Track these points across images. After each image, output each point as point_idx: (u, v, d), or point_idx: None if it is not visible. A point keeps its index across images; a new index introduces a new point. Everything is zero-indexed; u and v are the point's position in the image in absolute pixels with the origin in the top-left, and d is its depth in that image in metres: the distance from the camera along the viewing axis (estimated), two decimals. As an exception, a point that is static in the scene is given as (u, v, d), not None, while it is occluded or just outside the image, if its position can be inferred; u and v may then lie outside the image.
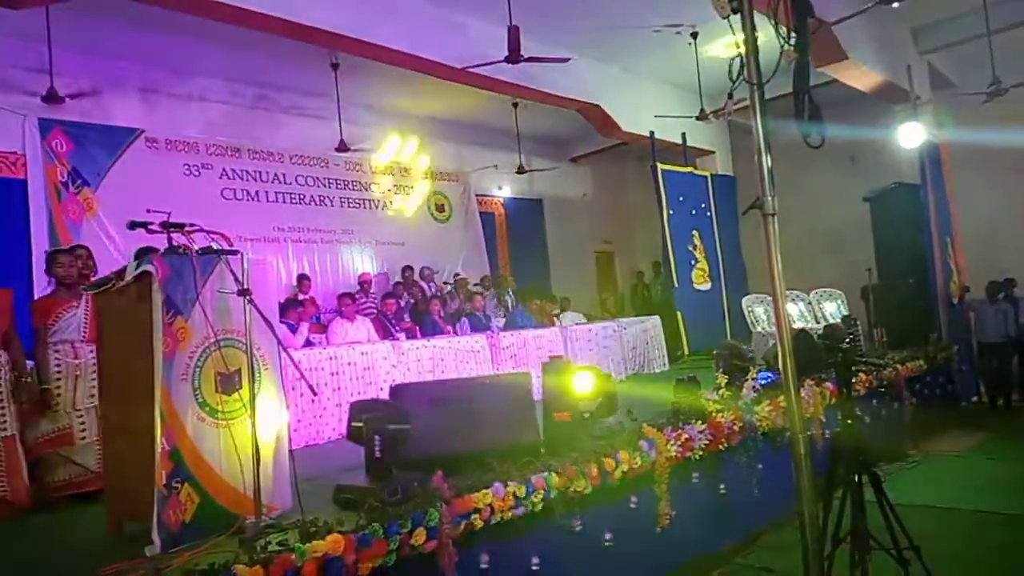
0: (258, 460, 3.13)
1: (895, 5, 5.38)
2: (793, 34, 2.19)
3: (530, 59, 6.85)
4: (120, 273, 3.24)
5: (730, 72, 2.25)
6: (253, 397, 3.23)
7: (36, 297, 5.34)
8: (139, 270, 3.09)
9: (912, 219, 9.21)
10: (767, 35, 2.40)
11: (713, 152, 12.19)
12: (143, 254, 4.62)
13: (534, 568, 3.52)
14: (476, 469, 3.65)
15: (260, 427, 3.19)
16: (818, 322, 9.62)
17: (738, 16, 2.14)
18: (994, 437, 7.46)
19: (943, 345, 8.62)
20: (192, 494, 3.08)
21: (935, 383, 8.15)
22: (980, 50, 8.40)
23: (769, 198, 2.14)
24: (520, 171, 12.01)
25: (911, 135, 8.62)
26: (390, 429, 3.46)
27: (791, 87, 2.33)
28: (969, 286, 9.34)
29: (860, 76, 8.81)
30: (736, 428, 4.94)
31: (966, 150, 9.63)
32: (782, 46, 2.18)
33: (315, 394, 4.02)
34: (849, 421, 2.93)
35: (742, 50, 2.17)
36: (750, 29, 2.19)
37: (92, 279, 4.76)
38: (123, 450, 3.21)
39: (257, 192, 9.24)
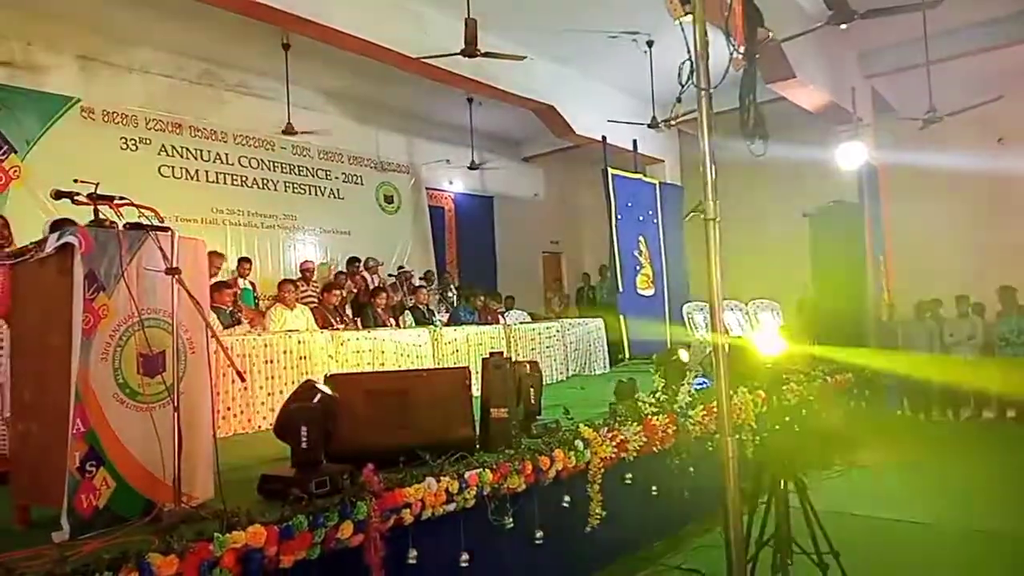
0: (179, 446, 3.01)
1: (843, 27, 5.55)
2: (743, 42, 2.21)
3: (486, 54, 6.81)
4: (40, 244, 3.06)
5: (680, 75, 2.26)
6: (177, 380, 3.11)
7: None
8: (61, 242, 2.92)
9: (849, 237, 9.53)
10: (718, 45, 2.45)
11: (663, 160, 12.39)
12: (59, 226, 4.40)
13: (463, 564, 3.49)
14: (409, 463, 3.60)
15: (183, 412, 3.07)
16: (754, 331, 9.84)
17: (690, 20, 2.14)
18: (915, 450, 7.77)
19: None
20: (107, 479, 2.93)
21: (862, 395, 8.43)
22: (920, 78, 8.76)
23: (712, 203, 2.16)
24: (472, 167, 11.96)
25: (852, 155, 8.93)
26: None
27: (738, 99, 2.36)
28: (894, 303, 9.72)
29: (807, 95, 9.06)
30: (670, 431, 5.00)
31: (902, 173, 10.03)
32: (731, 53, 2.20)
33: (243, 380, 3.90)
34: (777, 427, 2.99)
35: (692, 54, 2.18)
36: (701, 33, 2.20)
37: (7, 250, 4.50)
38: (34, 431, 3.04)
39: (197, 171, 8.94)
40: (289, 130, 9.21)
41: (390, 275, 10.36)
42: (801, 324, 9.74)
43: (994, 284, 9.42)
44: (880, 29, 9.02)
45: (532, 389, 4.44)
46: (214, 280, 7.91)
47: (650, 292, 10.91)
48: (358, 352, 6.58)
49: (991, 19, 8.82)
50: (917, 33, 8.28)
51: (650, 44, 9.10)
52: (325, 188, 10.56)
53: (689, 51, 2.24)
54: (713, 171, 2.25)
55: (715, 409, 5.47)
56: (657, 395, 5.36)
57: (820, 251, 10.16)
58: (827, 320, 9.35)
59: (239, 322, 7.02)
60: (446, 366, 7.13)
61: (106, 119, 8.20)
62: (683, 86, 2.30)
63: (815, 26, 6.03)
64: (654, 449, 4.84)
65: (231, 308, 7.26)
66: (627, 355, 10.01)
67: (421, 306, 8.97)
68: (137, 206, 3.34)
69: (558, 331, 9.15)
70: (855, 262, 9.36)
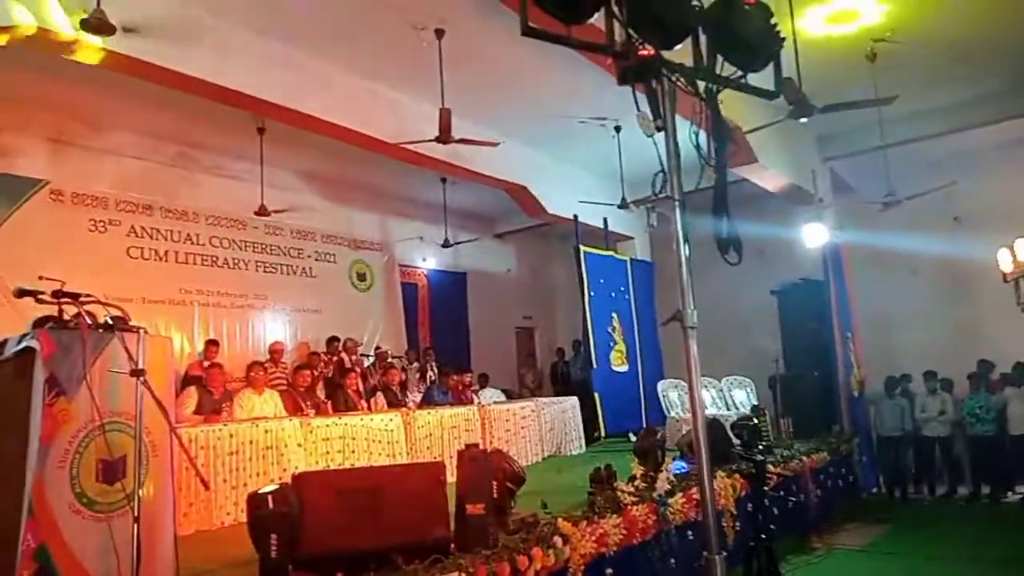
0: (139, 559, 2.85)
1: (803, 121, 5.79)
2: (713, 155, 2.27)
3: (460, 141, 6.94)
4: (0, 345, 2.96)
5: (653, 185, 2.30)
6: (138, 486, 2.97)
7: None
8: (21, 346, 2.82)
9: (816, 313, 9.69)
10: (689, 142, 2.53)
11: (632, 237, 12.59)
12: (40, 324, 4.29)
13: None
14: (381, 568, 3.45)
15: (143, 520, 2.93)
16: (728, 409, 9.84)
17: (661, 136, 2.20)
18: (894, 530, 7.70)
19: (845, 436, 8.95)
20: (57, 598, 2.76)
21: (837, 474, 8.39)
22: (877, 159, 9.11)
23: (690, 311, 2.16)
24: (446, 245, 12.03)
25: (814, 235, 9.17)
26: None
27: (699, 180, 2.43)
28: (863, 379, 9.81)
29: (769, 178, 9.34)
30: (650, 522, 4.89)
31: (865, 251, 10.28)
32: (702, 166, 2.25)
33: (207, 488, 3.74)
34: (763, 536, 2.93)
35: (665, 166, 2.23)
36: (673, 145, 2.25)
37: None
38: (-21, 547, 2.86)
39: (167, 252, 8.83)
40: (262, 211, 9.21)
41: (364, 355, 10.22)
42: (773, 400, 9.76)
43: (959, 361, 9.58)
44: (837, 115, 9.44)
45: (509, 484, 4.33)
46: (212, 361, 7.74)
47: (624, 368, 10.90)
48: (327, 439, 6.41)
49: (942, 107, 9.28)
50: (873, 119, 8.65)
51: (618, 129, 9.38)
52: (297, 267, 10.50)
53: (661, 163, 2.28)
54: (689, 278, 2.26)
55: (695, 496, 5.41)
56: (636, 483, 5.27)
57: (789, 327, 10.30)
58: (799, 397, 9.40)
59: (218, 411, 6.75)
60: (420, 455, 7.00)
61: (75, 201, 8.12)
62: (656, 195, 2.34)
63: (777, 120, 6.28)
64: (634, 541, 4.72)
65: (220, 394, 7.01)
66: (603, 433, 9.92)
67: (393, 387, 8.82)
68: (103, 304, 3.26)
69: (533, 411, 9.04)
70: (824, 339, 9.49)
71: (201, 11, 6.12)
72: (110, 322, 3.13)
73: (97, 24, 4.58)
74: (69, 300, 3.15)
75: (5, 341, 2.97)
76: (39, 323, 4.40)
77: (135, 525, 2.88)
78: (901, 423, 9.50)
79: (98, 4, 4.66)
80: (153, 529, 3.07)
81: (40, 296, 3.16)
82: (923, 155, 9.85)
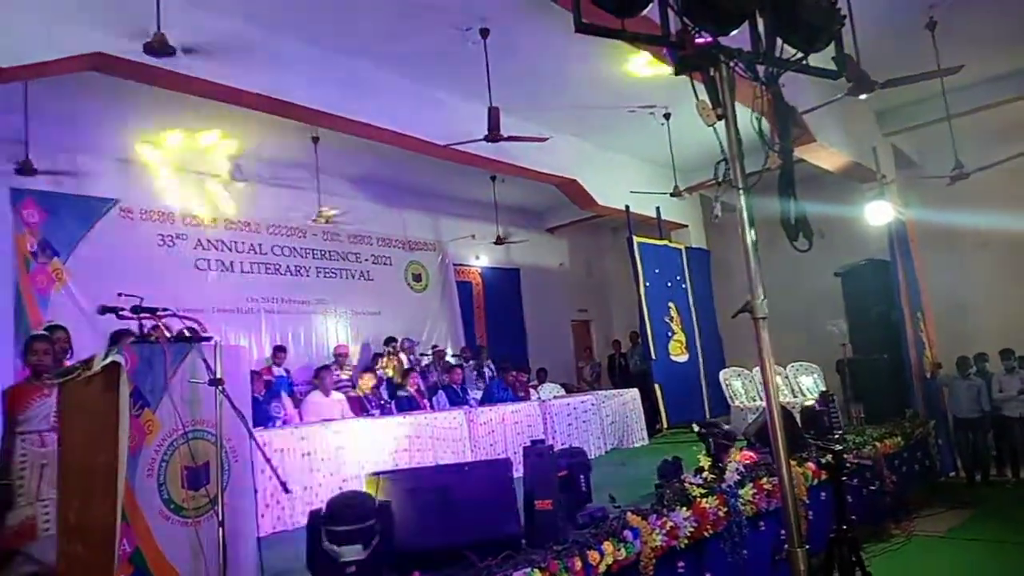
0: (225, 560, 2.97)
1: (862, 98, 5.59)
2: (777, 139, 2.22)
3: (510, 138, 6.96)
4: (88, 362, 3.10)
5: (716, 173, 2.27)
6: (222, 491, 3.09)
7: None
8: (108, 360, 2.96)
9: (883, 294, 9.37)
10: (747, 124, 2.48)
11: (686, 226, 12.42)
12: (119, 338, 4.50)
13: (516, 674, 3.34)
14: (455, 565, 3.50)
15: (228, 523, 3.04)
16: (795, 396, 9.61)
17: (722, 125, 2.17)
18: (976, 515, 7.40)
19: (920, 420, 8.63)
20: (152, 599, 2.90)
21: (913, 459, 8.12)
22: (941, 132, 8.73)
23: (760, 300, 2.12)
24: (498, 242, 12.09)
25: (878, 213, 8.83)
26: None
27: (763, 166, 2.37)
28: (940, 361, 9.44)
29: (827, 157, 9.05)
30: (721, 514, 4.83)
31: (933, 228, 9.90)
32: (766, 152, 2.21)
33: (287, 491, 3.85)
34: (845, 527, 2.87)
35: (727, 155, 2.19)
36: (734, 133, 2.21)
37: (68, 360, 4.60)
38: (80, 553, 3.01)
39: (232, 262, 9.14)
40: (320, 218, 9.41)
41: (423, 354, 10.37)
42: (842, 385, 9.48)
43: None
44: (897, 88, 9.08)
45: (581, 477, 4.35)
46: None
47: (684, 358, 10.77)
48: (394, 439, 6.52)
49: (1010, 71, 8.83)
50: (935, 90, 8.29)
51: (667, 117, 9.25)
52: (355, 270, 10.71)
53: (723, 150, 2.25)
54: (758, 266, 2.23)
55: (765, 486, 5.32)
56: (704, 475, 5.21)
57: (855, 309, 9.97)
58: (869, 381, 9.10)
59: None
60: (483, 452, 7.06)
61: (143, 217, 8.47)
62: (719, 183, 2.30)
63: (835, 98, 6.08)
64: (706, 534, 4.67)
65: (262, 396, 7.24)
66: (665, 424, 9.82)
67: (455, 386, 8.92)
68: (180, 317, 3.40)
69: (594, 404, 9.01)
70: (892, 320, 9.17)
71: (255, 26, 6.29)
72: (187, 334, 3.26)
73: (159, 47, 4.76)
74: (148, 315, 3.29)
75: (92, 357, 3.11)
76: (116, 336, 4.62)
77: (220, 529, 3.00)
78: (979, 404, 9.09)
79: (158, 27, 4.84)
80: (237, 532, 3.18)
81: (121, 312, 3.31)
82: (991, 124, 9.39)
